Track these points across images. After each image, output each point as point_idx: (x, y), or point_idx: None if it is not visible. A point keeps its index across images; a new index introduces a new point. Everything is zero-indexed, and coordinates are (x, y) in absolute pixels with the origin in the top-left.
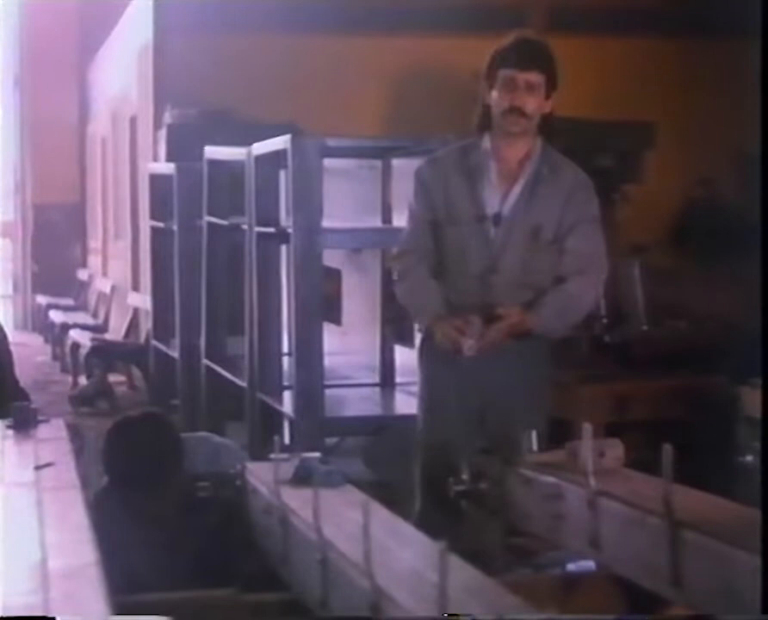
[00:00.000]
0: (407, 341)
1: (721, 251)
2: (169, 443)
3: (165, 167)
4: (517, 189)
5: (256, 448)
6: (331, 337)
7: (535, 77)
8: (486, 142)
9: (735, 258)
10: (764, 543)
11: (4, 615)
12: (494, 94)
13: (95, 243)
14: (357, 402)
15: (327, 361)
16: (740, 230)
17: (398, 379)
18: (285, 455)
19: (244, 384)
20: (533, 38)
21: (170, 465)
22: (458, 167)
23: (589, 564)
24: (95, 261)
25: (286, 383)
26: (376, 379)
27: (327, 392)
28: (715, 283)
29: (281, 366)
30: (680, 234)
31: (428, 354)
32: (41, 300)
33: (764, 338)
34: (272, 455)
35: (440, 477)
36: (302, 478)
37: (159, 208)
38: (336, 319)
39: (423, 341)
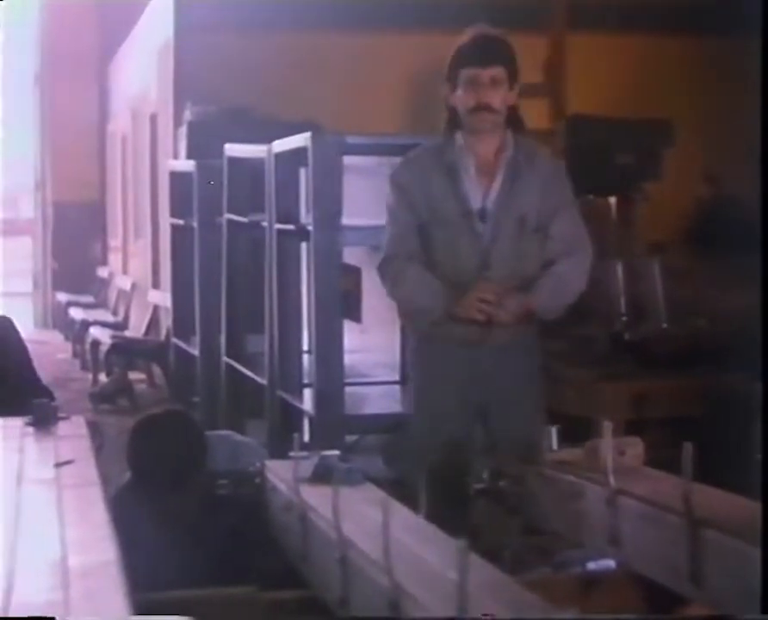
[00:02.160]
0: None
1: (740, 249)
2: (192, 440)
3: (185, 164)
4: (497, 182)
5: (275, 445)
6: (350, 335)
7: (498, 72)
8: (460, 139)
9: (752, 255)
10: (765, 542)
11: (24, 613)
12: (459, 93)
13: (115, 240)
14: (377, 400)
15: (347, 358)
16: (757, 227)
17: None
18: (305, 453)
19: (264, 381)
20: (491, 33)
21: (193, 461)
22: (435, 166)
23: (609, 562)
24: (115, 258)
25: (306, 381)
26: (396, 376)
27: (347, 389)
28: (734, 281)
29: (300, 363)
30: (696, 232)
31: (423, 352)
32: (61, 297)
33: (765, 338)
34: (292, 453)
35: (447, 476)
36: (322, 476)
37: (179, 206)
38: (356, 317)
39: (418, 340)
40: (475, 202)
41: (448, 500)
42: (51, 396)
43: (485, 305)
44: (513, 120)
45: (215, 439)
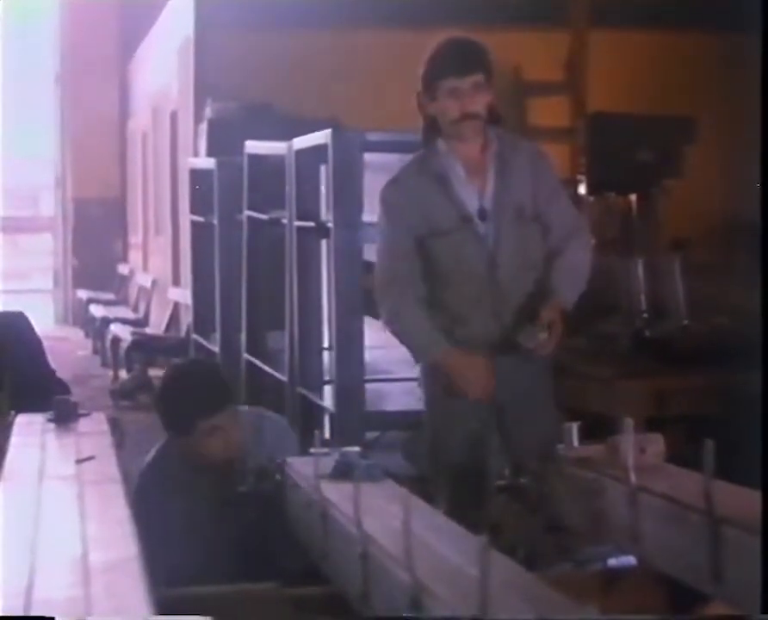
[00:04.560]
0: None
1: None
2: (220, 382)
3: (206, 162)
4: (490, 179)
5: None
6: (371, 332)
7: (478, 79)
8: (443, 145)
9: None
10: (764, 541)
11: (45, 611)
12: (440, 104)
13: (135, 237)
14: (398, 396)
15: (367, 355)
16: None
17: None
18: (325, 450)
19: (284, 378)
20: (464, 39)
21: (221, 403)
22: (424, 178)
23: (630, 560)
24: (135, 255)
25: (326, 378)
26: (417, 373)
27: (367, 386)
28: (756, 278)
29: (321, 360)
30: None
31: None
32: (82, 294)
33: (764, 337)
34: (312, 450)
35: (465, 475)
36: (342, 472)
37: (200, 203)
38: (376, 314)
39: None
40: (472, 205)
41: (466, 498)
42: (66, 389)
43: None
44: (492, 116)
45: (254, 417)
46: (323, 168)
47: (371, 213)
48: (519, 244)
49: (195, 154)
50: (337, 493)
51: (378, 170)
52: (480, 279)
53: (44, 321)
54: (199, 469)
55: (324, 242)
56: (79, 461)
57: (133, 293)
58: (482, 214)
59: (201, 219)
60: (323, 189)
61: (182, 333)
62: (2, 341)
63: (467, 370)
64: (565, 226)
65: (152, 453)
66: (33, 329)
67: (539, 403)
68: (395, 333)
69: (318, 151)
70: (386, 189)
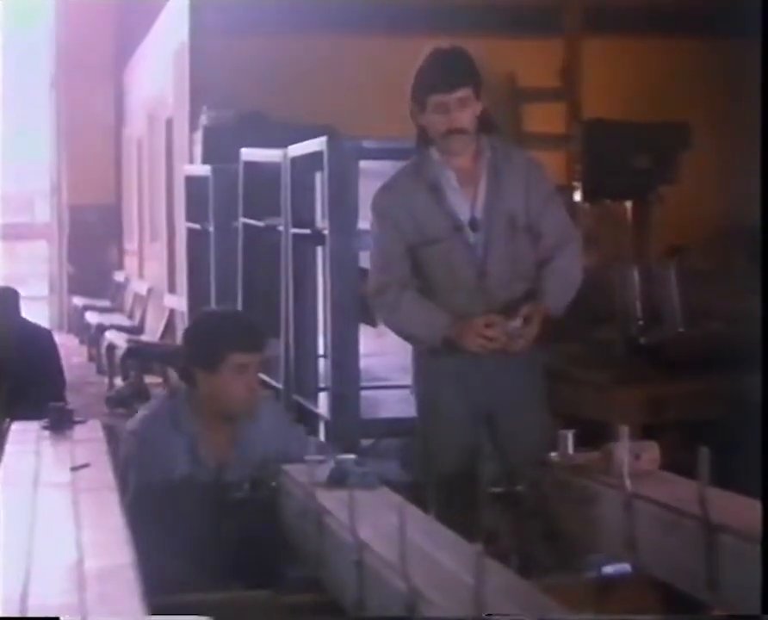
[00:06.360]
0: None
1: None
2: (255, 326)
3: (201, 169)
4: (482, 188)
5: None
6: (366, 339)
7: (465, 93)
8: (435, 154)
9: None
10: (764, 542)
11: (41, 614)
12: (428, 117)
13: (131, 244)
14: (393, 404)
15: (363, 362)
16: None
17: None
18: (320, 457)
19: (279, 385)
20: (450, 50)
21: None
22: (416, 186)
23: (625, 567)
24: (131, 262)
25: (321, 385)
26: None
27: (363, 393)
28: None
29: (316, 368)
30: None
31: (427, 359)
32: (77, 301)
33: (764, 337)
34: (307, 457)
35: (457, 481)
36: (338, 480)
37: (195, 210)
38: (371, 321)
39: (420, 354)
40: (463, 214)
41: (457, 504)
42: (63, 399)
43: (488, 338)
44: (484, 124)
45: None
46: (318, 175)
47: (366, 221)
48: (510, 253)
49: (191, 161)
50: (332, 501)
51: (373, 177)
52: (469, 288)
53: None
54: (211, 415)
55: (319, 249)
56: (74, 469)
57: (128, 300)
58: (473, 224)
59: (196, 226)
60: (318, 196)
61: (178, 341)
62: (13, 352)
63: (470, 328)
64: (557, 235)
65: (154, 403)
66: (54, 342)
67: (532, 409)
68: (395, 325)
69: (313, 159)
70: (378, 196)
